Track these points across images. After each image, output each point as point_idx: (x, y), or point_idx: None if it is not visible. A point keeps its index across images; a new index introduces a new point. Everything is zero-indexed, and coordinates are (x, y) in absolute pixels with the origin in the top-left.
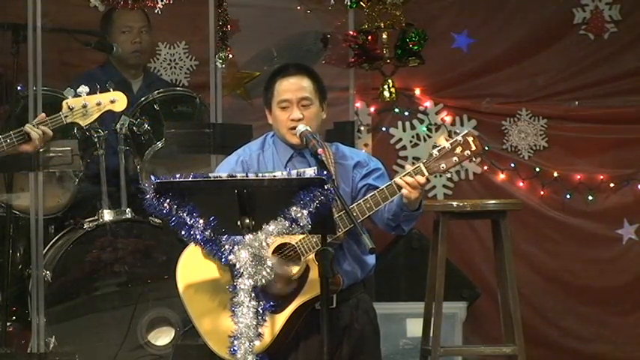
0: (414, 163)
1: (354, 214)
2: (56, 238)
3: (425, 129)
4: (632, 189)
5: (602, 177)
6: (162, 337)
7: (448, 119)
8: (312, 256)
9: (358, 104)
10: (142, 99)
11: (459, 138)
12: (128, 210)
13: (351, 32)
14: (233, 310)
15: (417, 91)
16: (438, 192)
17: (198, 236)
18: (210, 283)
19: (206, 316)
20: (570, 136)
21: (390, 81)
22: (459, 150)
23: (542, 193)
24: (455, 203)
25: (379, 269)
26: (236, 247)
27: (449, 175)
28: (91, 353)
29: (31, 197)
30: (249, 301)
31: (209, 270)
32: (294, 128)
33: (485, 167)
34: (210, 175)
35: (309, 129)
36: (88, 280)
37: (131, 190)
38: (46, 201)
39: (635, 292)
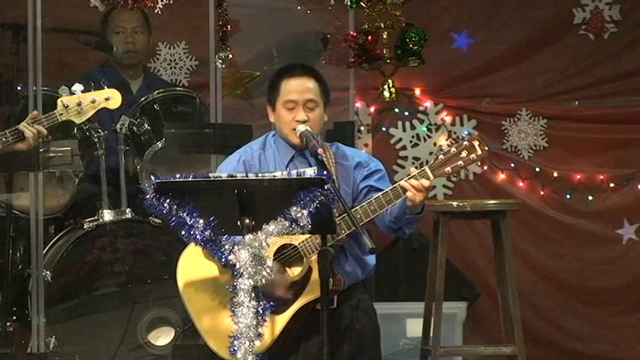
0: (414, 163)
1: (358, 216)
2: (56, 238)
3: (425, 129)
4: (632, 189)
5: (602, 177)
6: (162, 337)
7: (448, 119)
8: (314, 257)
9: (358, 104)
10: (142, 99)
11: (465, 142)
12: (128, 210)
13: (351, 32)
14: (233, 310)
15: (417, 91)
16: (438, 192)
17: (198, 236)
18: (211, 282)
19: (206, 315)
20: (570, 136)
21: (390, 81)
22: (464, 154)
23: (542, 193)
24: (455, 203)
25: (379, 269)
26: (236, 247)
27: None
28: (91, 353)
29: (31, 197)
30: (249, 301)
31: (209, 270)
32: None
33: (485, 167)
34: (210, 175)
35: (308, 129)
36: (88, 280)
37: (131, 190)
38: (46, 201)
39: (635, 292)
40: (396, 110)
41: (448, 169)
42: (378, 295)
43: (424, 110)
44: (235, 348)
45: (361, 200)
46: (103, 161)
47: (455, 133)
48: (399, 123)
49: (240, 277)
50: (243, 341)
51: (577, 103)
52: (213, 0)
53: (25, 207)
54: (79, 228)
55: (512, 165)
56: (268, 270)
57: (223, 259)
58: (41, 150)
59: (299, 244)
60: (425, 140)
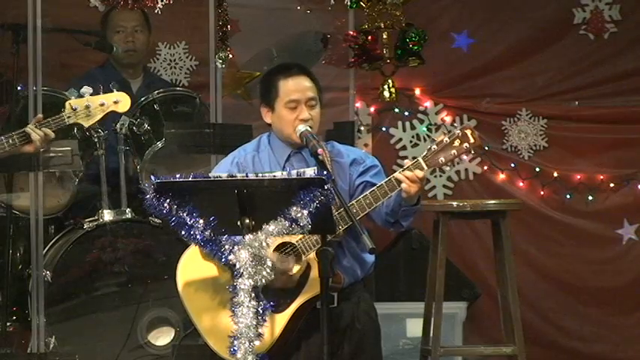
0: (414, 158)
1: (354, 210)
2: (56, 238)
3: (425, 129)
4: (632, 189)
5: (602, 177)
6: (162, 337)
7: (448, 119)
8: (312, 254)
9: (358, 104)
10: (142, 99)
11: (457, 131)
12: (128, 210)
13: (351, 32)
14: (233, 310)
15: (417, 91)
16: (438, 192)
17: (198, 236)
18: (210, 283)
19: (206, 315)
20: (570, 136)
21: (390, 81)
22: (457, 143)
23: (542, 193)
24: (455, 203)
25: (379, 269)
26: (236, 247)
27: (449, 175)
28: (91, 353)
29: (31, 197)
30: (249, 301)
31: (209, 270)
32: None
33: (485, 167)
34: (210, 175)
35: (308, 129)
36: (88, 280)
37: (131, 190)
38: (46, 201)
39: (635, 292)
40: (396, 110)
41: (442, 158)
42: (378, 295)
43: (424, 110)
44: (235, 348)
45: (358, 196)
46: (103, 161)
47: (454, 126)
48: (399, 123)
49: (240, 277)
50: (243, 341)
51: (577, 103)
52: (213, 0)
53: (25, 207)
54: (79, 228)
55: (512, 165)
56: (268, 270)
57: (223, 259)
58: (42, 150)
59: (297, 241)
60: (425, 140)
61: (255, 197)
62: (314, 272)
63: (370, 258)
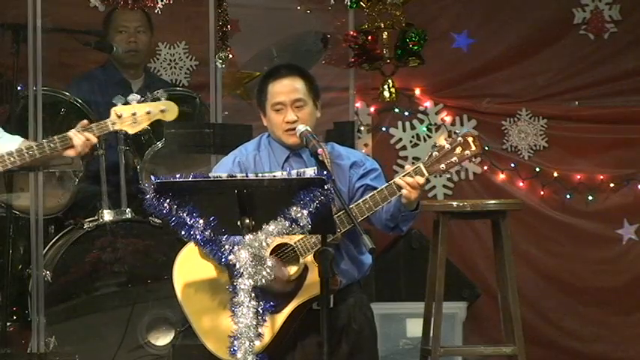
0: (414, 163)
1: (353, 214)
2: (56, 238)
3: (425, 129)
4: (632, 189)
5: (602, 177)
6: (162, 337)
7: (448, 119)
8: (310, 256)
9: (358, 104)
10: (142, 99)
11: (459, 138)
12: (128, 210)
13: (351, 32)
14: (233, 311)
15: (417, 91)
16: (438, 192)
17: (198, 236)
18: (208, 283)
19: (204, 316)
20: (570, 136)
21: (390, 81)
22: (458, 150)
23: (542, 193)
24: (455, 203)
25: (379, 269)
26: (236, 247)
27: (449, 175)
28: (91, 353)
29: (31, 197)
30: (249, 301)
31: (205, 270)
32: (289, 130)
33: (485, 167)
34: (210, 175)
35: (308, 129)
36: (88, 280)
37: (131, 190)
38: (46, 201)
39: (635, 292)
40: (396, 110)
41: (442, 165)
42: (378, 295)
43: (424, 110)
44: (235, 348)
45: (358, 199)
46: (103, 161)
47: (455, 133)
48: (399, 123)
49: (240, 277)
50: (243, 341)
51: (577, 103)
52: (213, 0)
53: (25, 207)
54: (79, 228)
55: (512, 165)
56: (268, 270)
57: (223, 259)
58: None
59: (295, 243)
60: (425, 140)
61: (255, 197)
62: (311, 275)
63: (368, 260)
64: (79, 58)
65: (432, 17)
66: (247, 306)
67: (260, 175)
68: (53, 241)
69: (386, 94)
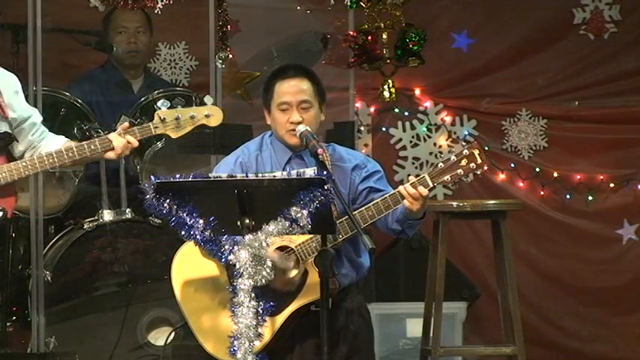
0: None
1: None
2: (56, 238)
3: (425, 129)
4: (632, 189)
5: (602, 177)
6: (162, 337)
7: (448, 119)
8: (310, 260)
9: (358, 104)
10: (142, 99)
11: (465, 151)
12: (128, 210)
13: (351, 32)
14: (233, 311)
15: (417, 91)
16: (438, 192)
17: (198, 236)
18: (206, 282)
19: (202, 316)
20: (570, 136)
21: (390, 81)
22: (464, 162)
23: (542, 193)
24: (455, 203)
25: (379, 269)
26: (236, 247)
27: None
28: (91, 353)
29: (31, 197)
30: (249, 301)
31: (204, 270)
32: (292, 130)
33: (486, 167)
34: (210, 175)
35: (309, 129)
36: (88, 280)
37: (131, 190)
38: (46, 201)
39: (635, 292)
40: (396, 110)
41: (447, 177)
42: (378, 295)
43: (424, 110)
44: (235, 348)
45: (362, 202)
46: (103, 161)
47: (455, 133)
48: (399, 123)
49: (240, 277)
50: (243, 341)
51: (577, 103)
52: (213, 0)
53: (25, 207)
54: (79, 228)
55: (512, 165)
56: (268, 270)
57: (223, 259)
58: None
59: (296, 247)
60: (425, 140)
61: (255, 197)
62: (311, 279)
63: (366, 262)
64: (79, 58)
65: (432, 17)
66: (247, 306)
67: (260, 175)
68: (53, 241)
69: (386, 94)
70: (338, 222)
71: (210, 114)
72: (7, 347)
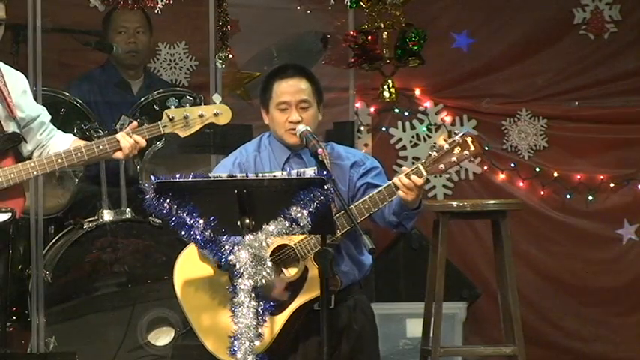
0: (414, 164)
1: (353, 215)
2: (56, 238)
3: (425, 129)
4: (632, 189)
5: (602, 177)
6: (162, 337)
7: (448, 119)
8: (310, 257)
9: (358, 104)
10: (142, 99)
11: (458, 138)
12: (128, 210)
13: (351, 32)
14: (233, 311)
15: (417, 91)
16: (438, 192)
17: (198, 236)
18: (208, 283)
19: (204, 316)
20: (570, 136)
21: (390, 81)
22: (457, 150)
23: (542, 193)
24: (455, 203)
25: (379, 269)
26: (236, 247)
27: (448, 175)
28: (91, 353)
29: (31, 197)
30: (249, 301)
31: (206, 271)
32: (292, 130)
33: (485, 167)
34: (210, 175)
35: (308, 129)
36: (88, 280)
37: (131, 190)
38: (46, 201)
39: (635, 292)
40: (396, 110)
41: (442, 165)
42: (378, 295)
43: (424, 110)
44: (235, 348)
45: (359, 198)
46: (103, 161)
47: (455, 133)
48: (399, 123)
49: (240, 277)
50: (243, 341)
51: (577, 103)
52: (213, 0)
53: (25, 207)
54: (79, 228)
55: (512, 165)
56: (268, 270)
57: (223, 259)
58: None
59: (295, 244)
60: (425, 140)
61: (255, 197)
62: (311, 275)
63: (368, 260)
64: (79, 58)
65: (432, 17)
66: (247, 306)
67: (260, 175)
68: (53, 241)
69: (386, 94)
70: (336, 216)
71: (219, 112)
72: (7, 347)
